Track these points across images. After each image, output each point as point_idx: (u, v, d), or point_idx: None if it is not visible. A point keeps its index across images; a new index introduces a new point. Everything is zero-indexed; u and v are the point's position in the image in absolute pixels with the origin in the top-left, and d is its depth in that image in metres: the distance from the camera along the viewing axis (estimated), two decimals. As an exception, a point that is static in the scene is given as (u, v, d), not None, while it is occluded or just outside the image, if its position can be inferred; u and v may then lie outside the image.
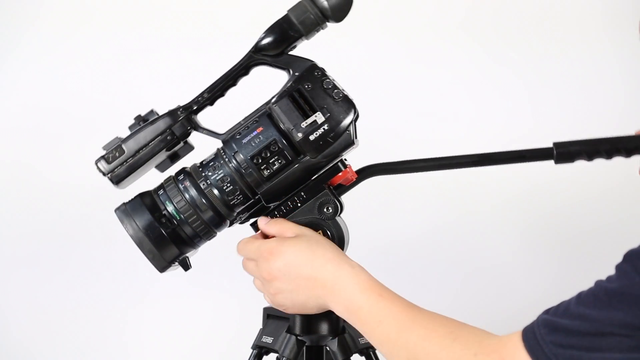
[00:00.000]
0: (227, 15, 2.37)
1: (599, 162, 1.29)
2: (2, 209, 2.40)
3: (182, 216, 1.28)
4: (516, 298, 2.33)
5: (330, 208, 1.30)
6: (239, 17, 2.36)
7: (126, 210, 1.28)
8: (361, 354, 1.39)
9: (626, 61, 2.34)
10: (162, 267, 1.29)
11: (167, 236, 1.27)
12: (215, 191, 1.28)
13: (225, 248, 2.39)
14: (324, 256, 1.23)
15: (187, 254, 1.32)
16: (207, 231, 1.30)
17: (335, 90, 1.25)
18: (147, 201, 1.29)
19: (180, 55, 2.37)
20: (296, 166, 1.26)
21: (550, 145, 1.29)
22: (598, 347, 1.00)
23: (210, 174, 1.28)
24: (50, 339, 2.40)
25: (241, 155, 1.26)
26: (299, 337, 1.34)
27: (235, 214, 1.31)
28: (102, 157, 1.29)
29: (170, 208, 1.28)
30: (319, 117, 1.24)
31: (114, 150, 1.29)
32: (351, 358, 1.36)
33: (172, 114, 1.30)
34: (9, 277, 2.40)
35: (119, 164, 1.28)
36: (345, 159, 1.32)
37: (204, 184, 1.28)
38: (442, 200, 2.35)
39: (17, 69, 2.40)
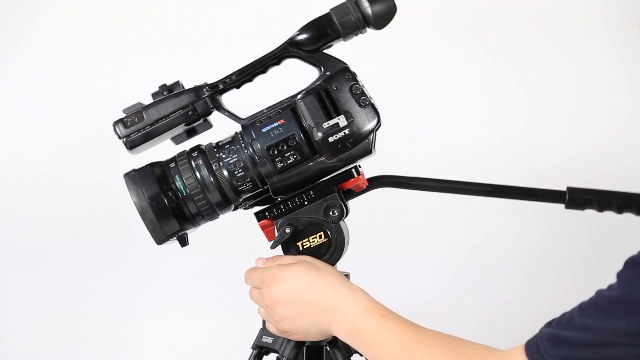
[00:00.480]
0: (227, 15, 2.37)
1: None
2: (4, 210, 2.40)
3: (189, 193, 1.28)
4: (522, 309, 2.33)
5: (336, 212, 1.31)
6: (239, 17, 2.36)
7: (135, 177, 1.28)
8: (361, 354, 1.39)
9: (627, 61, 2.34)
10: (160, 240, 1.29)
11: (171, 210, 1.27)
12: (226, 174, 1.28)
13: (226, 248, 2.40)
14: (325, 281, 1.23)
15: (187, 231, 1.31)
16: (211, 212, 1.30)
17: (363, 97, 1.25)
18: (157, 172, 1.28)
19: (180, 55, 2.37)
20: (310, 164, 1.27)
21: (564, 189, 1.30)
22: (603, 358, 0.99)
23: (224, 156, 1.28)
24: (51, 340, 2.40)
25: (258, 144, 1.26)
26: (299, 337, 1.34)
27: (241, 199, 1.31)
28: (121, 120, 1.29)
29: (178, 183, 1.28)
30: (341, 121, 1.24)
31: (133, 115, 1.28)
32: (351, 358, 1.36)
33: (197, 90, 1.29)
34: (9, 278, 2.40)
35: (136, 130, 1.28)
36: (359, 166, 1.32)
37: (216, 165, 1.28)
38: (449, 208, 2.35)
39: (18, 70, 2.40)
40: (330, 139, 1.24)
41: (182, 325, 2.41)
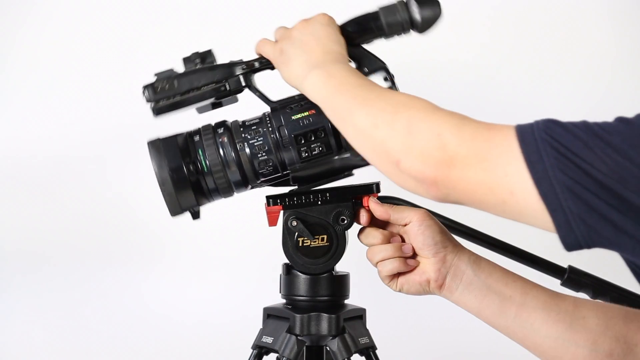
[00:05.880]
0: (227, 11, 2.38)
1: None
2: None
3: (209, 168, 1.27)
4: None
5: (345, 220, 1.31)
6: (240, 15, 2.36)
7: (159, 147, 1.27)
8: (361, 354, 1.39)
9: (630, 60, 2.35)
10: (175, 212, 1.28)
11: (190, 183, 1.26)
12: (249, 155, 1.27)
13: (226, 248, 2.40)
14: (340, 49, 1.23)
15: (201, 206, 1.30)
16: (228, 189, 1.29)
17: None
18: (180, 142, 1.27)
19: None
20: (335, 158, 1.27)
21: (566, 266, 1.32)
22: (599, 144, 0.97)
23: (249, 137, 1.27)
24: (51, 342, 2.40)
25: (286, 130, 1.26)
26: (299, 337, 1.34)
27: (259, 181, 1.30)
28: (152, 84, 1.27)
29: (200, 157, 1.27)
30: None
31: (165, 81, 1.27)
32: (351, 358, 1.36)
33: (232, 66, 1.28)
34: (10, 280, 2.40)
35: (165, 97, 1.27)
36: (380, 182, 1.32)
37: (240, 145, 1.27)
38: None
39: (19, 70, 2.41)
40: None
41: (182, 325, 2.41)
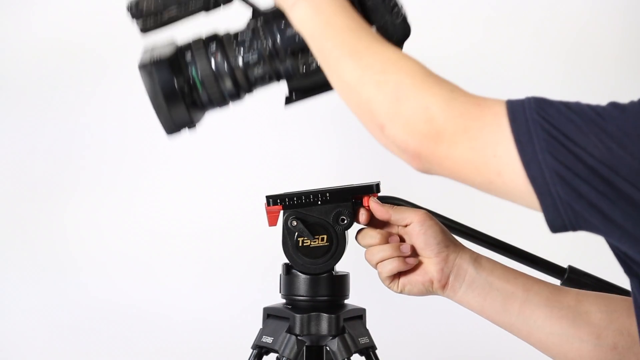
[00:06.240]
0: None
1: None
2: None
3: (202, 82, 1.20)
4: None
5: (345, 220, 1.30)
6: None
7: (151, 72, 1.19)
8: (361, 354, 1.39)
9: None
10: (170, 130, 1.21)
11: (182, 99, 1.20)
12: (242, 69, 1.20)
13: (226, 248, 2.40)
14: None
15: (195, 121, 1.24)
16: (222, 101, 1.22)
17: (396, 8, 1.17)
18: (171, 58, 1.20)
19: None
20: None
21: (566, 266, 1.32)
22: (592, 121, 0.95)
23: (243, 52, 1.20)
24: (51, 342, 2.40)
25: (281, 45, 1.18)
26: (299, 337, 1.34)
27: (253, 91, 1.24)
28: (136, 2, 1.19)
29: (192, 72, 1.20)
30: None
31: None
32: (351, 358, 1.36)
33: None
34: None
35: (151, 14, 1.19)
36: (380, 182, 1.31)
37: (234, 61, 1.20)
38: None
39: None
40: None
41: (181, 325, 2.41)
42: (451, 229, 1.31)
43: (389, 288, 1.28)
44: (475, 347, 2.36)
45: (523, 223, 2.31)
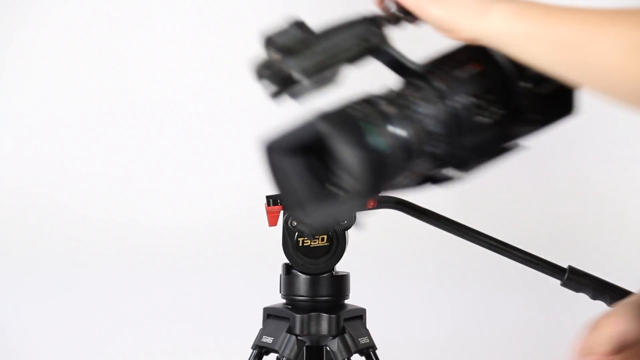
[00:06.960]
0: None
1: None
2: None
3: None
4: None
5: (345, 220, 1.31)
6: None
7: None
8: (361, 354, 1.39)
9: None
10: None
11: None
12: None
13: (226, 248, 2.40)
14: None
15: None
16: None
17: None
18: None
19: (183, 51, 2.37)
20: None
21: (566, 266, 1.31)
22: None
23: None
24: (50, 342, 2.41)
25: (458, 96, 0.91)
26: (299, 337, 1.34)
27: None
28: (278, 45, 0.90)
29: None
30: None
31: (294, 42, 0.89)
32: (351, 358, 1.36)
33: (368, 20, 0.93)
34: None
35: (307, 55, 0.89)
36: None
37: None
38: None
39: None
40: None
41: (181, 325, 2.41)
42: (451, 229, 1.31)
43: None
44: (475, 347, 2.36)
45: (523, 223, 2.32)
